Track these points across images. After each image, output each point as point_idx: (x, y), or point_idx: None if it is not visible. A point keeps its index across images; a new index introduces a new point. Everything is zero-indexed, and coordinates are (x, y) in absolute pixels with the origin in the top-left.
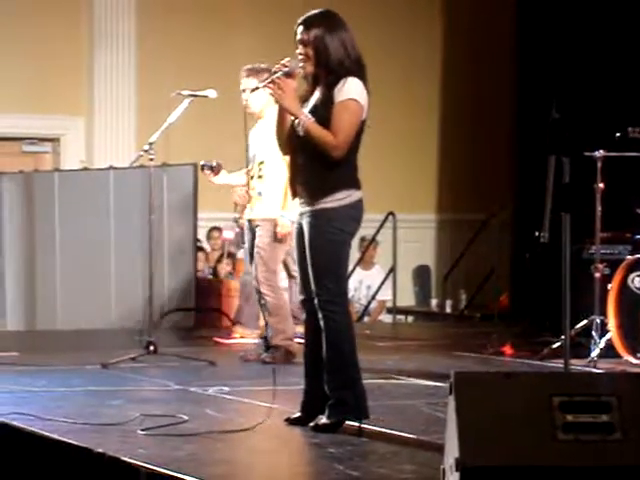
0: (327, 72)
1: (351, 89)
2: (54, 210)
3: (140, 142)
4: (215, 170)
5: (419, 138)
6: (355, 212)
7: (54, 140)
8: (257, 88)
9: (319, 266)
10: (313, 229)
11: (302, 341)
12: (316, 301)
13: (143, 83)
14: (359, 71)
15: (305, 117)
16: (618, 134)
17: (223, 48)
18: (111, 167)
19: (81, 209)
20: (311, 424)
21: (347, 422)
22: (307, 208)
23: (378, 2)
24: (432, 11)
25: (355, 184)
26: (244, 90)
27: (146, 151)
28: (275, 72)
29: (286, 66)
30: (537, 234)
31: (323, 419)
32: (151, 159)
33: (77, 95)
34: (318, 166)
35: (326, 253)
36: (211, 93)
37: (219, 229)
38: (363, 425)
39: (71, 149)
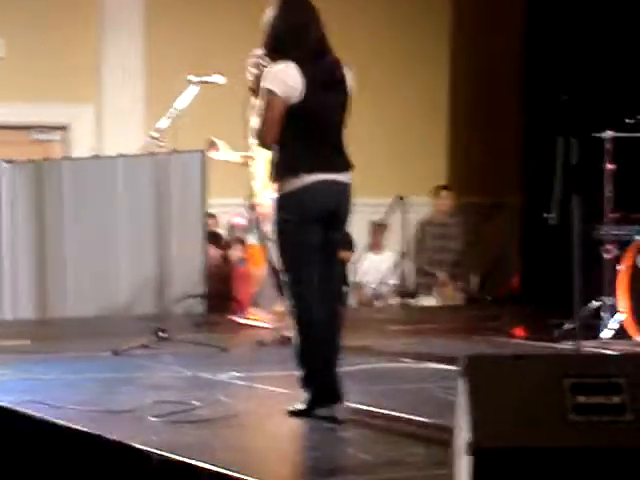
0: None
1: (267, 77)
2: (63, 198)
3: (149, 129)
4: (209, 145)
5: (427, 122)
6: (302, 197)
7: (63, 128)
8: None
9: (278, 256)
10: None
11: None
12: None
13: (152, 70)
14: (285, 50)
15: None
16: (631, 120)
17: (232, 34)
18: (120, 155)
19: (90, 197)
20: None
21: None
22: None
23: None
24: None
25: (302, 168)
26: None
27: (154, 138)
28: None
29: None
30: (545, 216)
31: (297, 404)
32: (160, 146)
33: (86, 83)
34: (273, 156)
35: (277, 245)
36: (219, 79)
37: (213, 215)
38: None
39: (80, 137)
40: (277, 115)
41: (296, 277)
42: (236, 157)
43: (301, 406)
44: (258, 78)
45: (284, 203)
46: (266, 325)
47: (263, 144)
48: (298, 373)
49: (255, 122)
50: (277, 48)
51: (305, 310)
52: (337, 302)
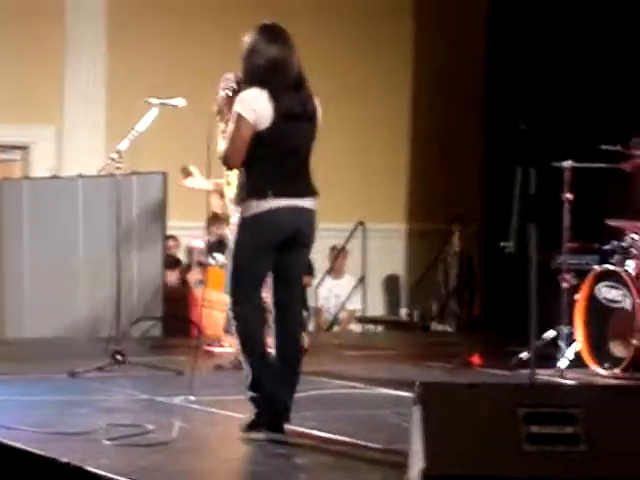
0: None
1: (238, 101)
2: (22, 218)
3: (110, 150)
4: (184, 173)
5: (389, 147)
6: (263, 221)
7: (23, 148)
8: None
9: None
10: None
11: None
12: None
13: (113, 92)
14: (260, 78)
15: None
16: (607, 146)
17: (195, 57)
18: (80, 175)
19: (50, 217)
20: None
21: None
22: None
23: (347, 9)
24: (402, 23)
25: (268, 192)
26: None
27: (114, 159)
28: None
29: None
30: (502, 244)
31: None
32: (118, 167)
33: (47, 103)
34: (239, 179)
35: (228, 265)
36: (179, 102)
37: (174, 237)
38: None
39: (40, 157)
40: (244, 139)
41: (240, 298)
42: (209, 185)
43: (248, 421)
44: (228, 100)
45: (243, 226)
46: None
47: (228, 166)
48: (247, 391)
49: (222, 145)
50: (254, 77)
51: (246, 331)
52: (296, 328)
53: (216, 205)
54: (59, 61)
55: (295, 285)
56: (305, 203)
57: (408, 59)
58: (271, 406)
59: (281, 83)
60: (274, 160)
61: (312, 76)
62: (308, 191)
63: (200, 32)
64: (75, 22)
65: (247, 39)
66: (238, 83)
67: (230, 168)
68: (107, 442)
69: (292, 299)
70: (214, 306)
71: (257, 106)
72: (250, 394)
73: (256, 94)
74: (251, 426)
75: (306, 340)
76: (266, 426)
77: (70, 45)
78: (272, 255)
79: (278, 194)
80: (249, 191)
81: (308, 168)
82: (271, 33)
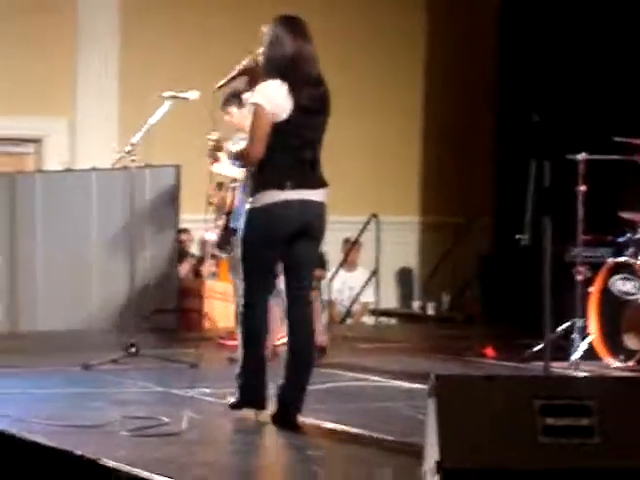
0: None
1: (256, 92)
2: (35, 211)
3: (123, 143)
4: (212, 157)
5: (402, 140)
6: (269, 215)
7: (36, 141)
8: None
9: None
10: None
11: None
12: None
13: (126, 84)
14: (281, 71)
15: None
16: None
17: (208, 50)
18: (93, 168)
19: (63, 210)
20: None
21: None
22: None
23: (360, 2)
24: (415, 17)
25: (280, 185)
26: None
27: (128, 152)
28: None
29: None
30: (517, 237)
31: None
32: (133, 160)
33: (60, 96)
34: (253, 170)
35: (240, 254)
36: (192, 94)
37: (187, 231)
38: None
39: (53, 150)
40: (265, 129)
41: (247, 288)
42: (237, 172)
43: (232, 399)
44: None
45: (253, 216)
46: None
47: (252, 160)
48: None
49: (232, 147)
50: (275, 68)
51: (251, 327)
52: (307, 322)
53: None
54: (72, 54)
55: (306, 278)
56: (316, 196)
57: (420, 52)
58: (251, 399)
59: (301, 76)
60: (290, 152)
61: (325, 69)
62: (319, 183)
63: (213, 24)
64: (88, 15)
65: (269, 29)
66: (254, 64)
67: (252, 163)
68: (122, 434)
69: (303, 292)
70: (217, 297)
71: (277, 98)
72: (239, 382)
73: (276, 86)
74: (232, 406)
75: (325, 339)
76: (275, 419)
77: (83, 38)
78: (282, 247)
79: (296, 186)
80: (266, 182)
81: (318, 159)
82: (293, 25)
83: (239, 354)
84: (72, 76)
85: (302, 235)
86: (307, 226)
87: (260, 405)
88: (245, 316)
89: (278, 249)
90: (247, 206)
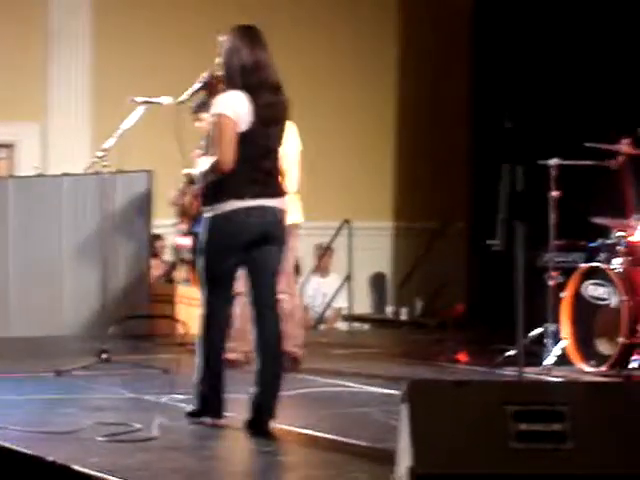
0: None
1: (218, 103)
2: (8, 216)
3: (96, 148)
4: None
5: (375, 146)
6: (228, 223)
7: (9, 146)
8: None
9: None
10: None
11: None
12: None
13: (98, 89)
14: (240, 80)
15: None
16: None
17: (180, 54)
18: (65, 174)
19: (35, 215)
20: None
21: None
22: None
23: (333, 7)
24: (388, 25)
25: (239, 195)
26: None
27: (100, 157)
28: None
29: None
30: (488, 242)
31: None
32: (105, 165)
33: (32, 101)
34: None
35: (198, 263)
36: (165, 99)
37: (160, 236)
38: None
39: (26, 155)
40: (231, 136)
41: (205, 296)
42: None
43: (190, 410)
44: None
45: (213, 225)
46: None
47: (223, 169)
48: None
49: (204, 161)
50: (234, 78)
51: (209, 329)
52: (273, 328)
53: None
54: (43, 59)
55: (268, 285)
56: (275, 203)
57: (394, 58)
58: (208, 408)
59: (260, 85)
60: (249, 162)
61: (296, 78)
62: (278, 192)
63: (187, 28)
64: (59, 18)
65: (226, 40)
66: (211, 77)
67: (226, 171)
68: (96, 440)
69: (267, 299)
70: (190, 302)
71: (239, 108)
72: (196, 390)
73: (238, 96)
74: (191, 414)
75: (300, 352)
76: (248, 425)
77: (54, 43)
78: (242, 254)
79: (255, 195)
80: (224, 192)
81: (277, 167)
82: (250, 34)
83: (197, 363)
84: (44, 81)
85: (262, 242)
86: (267, 232)
87: (217, 414)
88: (204, 325)
89: (239, 256)
90: (206, 215)
